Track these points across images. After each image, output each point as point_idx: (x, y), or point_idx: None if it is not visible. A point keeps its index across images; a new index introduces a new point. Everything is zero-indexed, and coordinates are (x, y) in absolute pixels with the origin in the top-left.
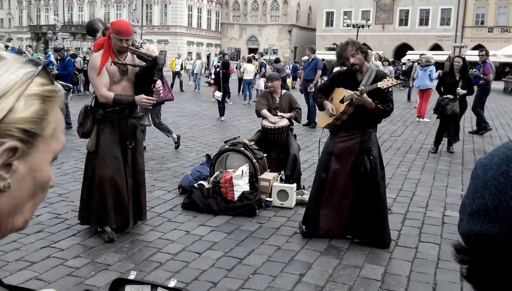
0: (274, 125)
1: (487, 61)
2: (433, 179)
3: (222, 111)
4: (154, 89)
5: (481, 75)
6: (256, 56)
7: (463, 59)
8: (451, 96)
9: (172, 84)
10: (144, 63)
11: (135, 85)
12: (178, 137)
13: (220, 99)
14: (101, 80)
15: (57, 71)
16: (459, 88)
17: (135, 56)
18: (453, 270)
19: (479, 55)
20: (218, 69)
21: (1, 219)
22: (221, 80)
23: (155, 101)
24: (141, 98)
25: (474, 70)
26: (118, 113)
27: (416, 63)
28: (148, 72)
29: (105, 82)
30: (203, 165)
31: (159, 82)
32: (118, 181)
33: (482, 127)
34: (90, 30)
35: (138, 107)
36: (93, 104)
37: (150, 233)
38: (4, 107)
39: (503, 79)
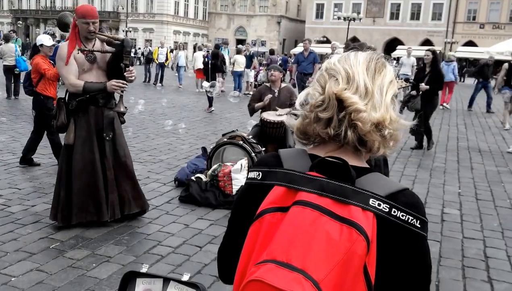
0: (275, 119)
1: None
2: (430, 176)
3: (210, 102)
4: (125, 74)
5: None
6: (243, 47)
7: (433, 52)
8: (414, 93)
9: (158, 76)
10: (114, 49)
11: (108, 74)
12: None
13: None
14: (69, 70)
15: None
16: (422, 83)
17: (104, 44)
18: (455, 268)
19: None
20: (206, 60)
21: None
22: (209, 71)
23: (127, 86)
24: (111, 83)
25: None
26: (93, 104)
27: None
28: (118, 57)
29: (74, 71)
30: (199, 158)
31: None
32: (92, 175)
33: None
34: (61, 24)
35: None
36: (66, 96)
37: (148, 226)
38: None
39: (494, 77)
